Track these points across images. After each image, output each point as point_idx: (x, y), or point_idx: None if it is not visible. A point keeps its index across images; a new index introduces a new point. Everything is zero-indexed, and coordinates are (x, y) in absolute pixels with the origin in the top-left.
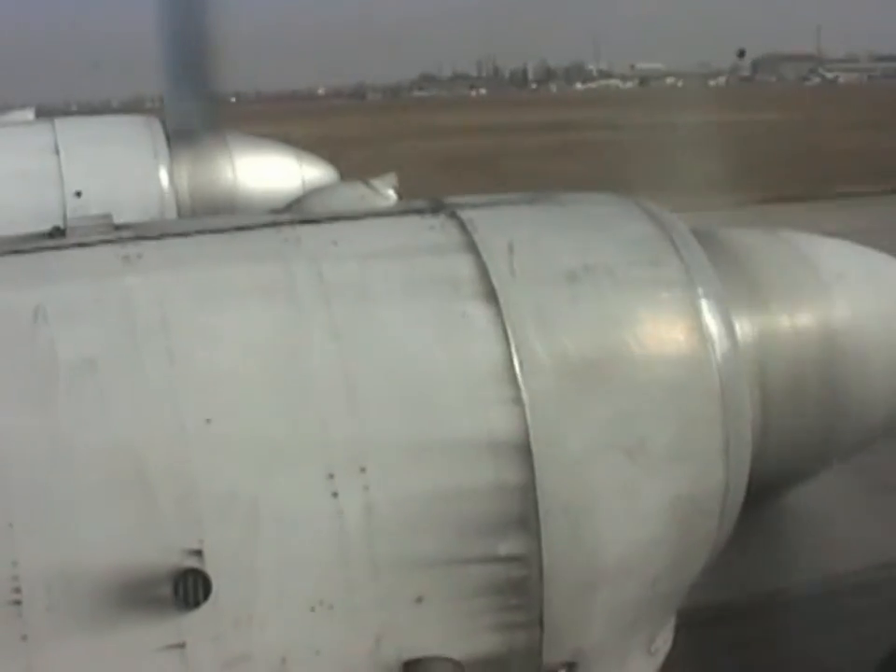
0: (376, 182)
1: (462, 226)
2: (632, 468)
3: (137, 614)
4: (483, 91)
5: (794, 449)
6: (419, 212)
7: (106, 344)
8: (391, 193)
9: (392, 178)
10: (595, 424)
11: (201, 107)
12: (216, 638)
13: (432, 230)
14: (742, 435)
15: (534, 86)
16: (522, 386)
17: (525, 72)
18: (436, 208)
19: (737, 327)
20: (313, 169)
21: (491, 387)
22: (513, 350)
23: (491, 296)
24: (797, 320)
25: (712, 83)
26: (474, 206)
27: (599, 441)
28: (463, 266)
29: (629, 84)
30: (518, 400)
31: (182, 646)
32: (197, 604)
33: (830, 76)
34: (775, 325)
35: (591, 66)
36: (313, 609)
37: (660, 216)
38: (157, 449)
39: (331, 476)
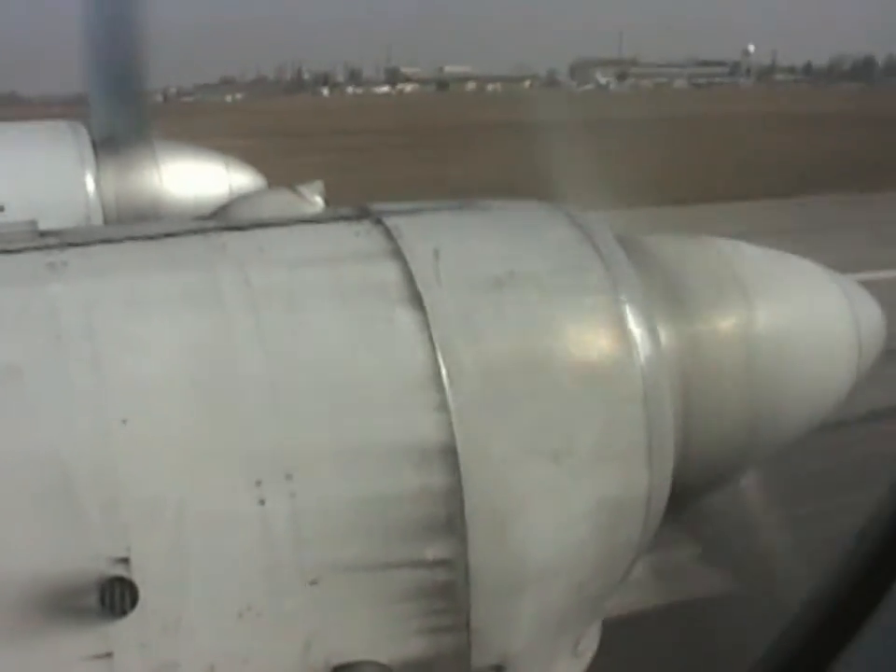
0: (303, 189)
1: (388, 232)
2: (557, 472)
3: (63, 623)
4: (238, 95)
5: (715, 454)
6: (345, 219)
7: (31, 351)
8: (318, 200)
9: (319, 185)
10: (520, 428)
11: (127, 112)
12: (143, 646)
13: (358, 236)
14: (665, 439)
15: (325, 91)
16: (448, 392)
17: (326, 75)
18: (362, 215)
19: (661, 332)
20: (240, 176)
21: (417, 393)
22: (439, 356)
23: (417, 302)
24: (719, 326)
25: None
26: (400, 213)
27: (525, 445)
28: (389, 272)
29: (429, 87)
30: (444, 406)
31: (109, 655)
32: (124, 612)
33: (603, 81)
34: (697, 330)
35: (404, 69)
36: (241, 616)
37: (585, 222)
38: (82, 456)
39: (258, 483)
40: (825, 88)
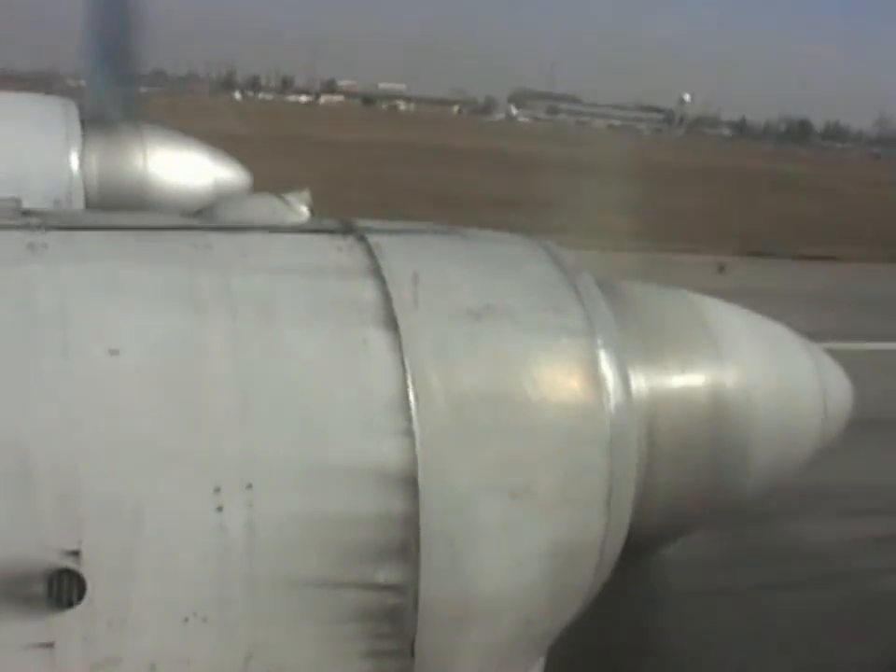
0: (290, 196)
1: (369, 250)
2: (515, 509)
3: (7, 610)
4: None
5: (676, 505)
6: (329, 232)
7: (2, 332)
8: (304, 209)
9: (306, 194)
10: (483, 462)
11: (119, 94)
12: (86, 640)
13: (340, 251)
14: (626, 487)
15: (236, 94)
16: (414, 418)
17: (256, 79)
18: (346, 230)
19: (632, 380)
20: (225, 169)
21: (384, 417)
22: (409, 381)
23: (392, 324)
24: (689, 379)
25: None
26: (383, 232)
27: (486, 479)
28: (367, 291)
29: (338, 100)
30: (409, 432)
31: (51, 645)
32: (70, 604)
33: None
34: (668, 381)
35: (341, 81)
36: (186, 620)
37: (565, 260)
38: (43, 445)
39: (218, 490)
40: (745, 145)
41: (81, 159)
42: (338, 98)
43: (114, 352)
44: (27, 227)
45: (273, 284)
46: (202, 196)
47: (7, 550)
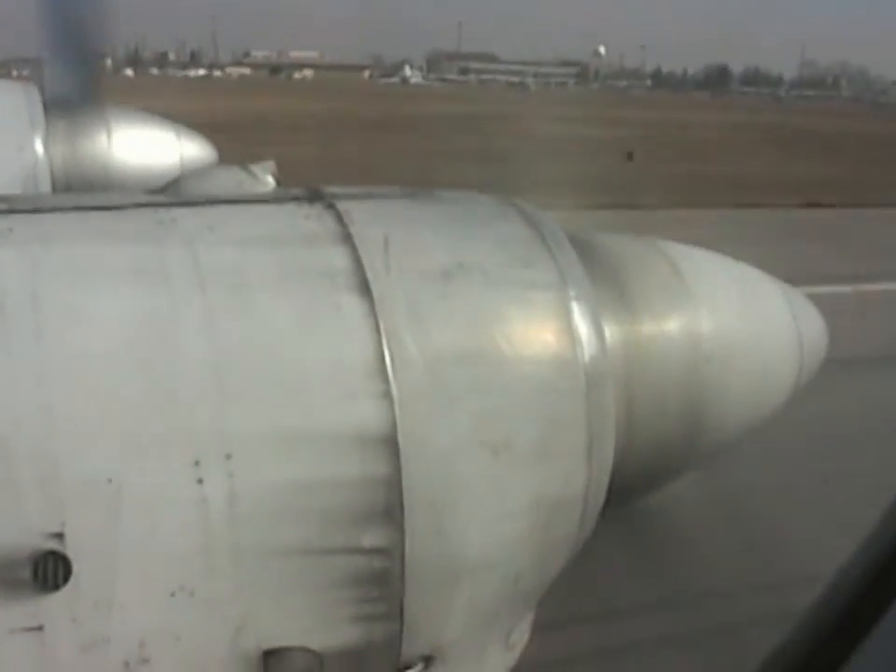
0: (255, 167)
1: (339, 217)
2: (497, 465)
3: None
4: None
5: (657, 453)
6: (296, 200)
7: None
8: (270, 179)
9: (271, 165)
10: (462, 420)
11: (81, 77)
12: (74, 621)
13: (308, 219)
14: (606, 437)
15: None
16: (391, 381)
17: (164, 54)
18: (313, 197)
19: (606, 331)
20: (191, 145)
21: (360, 380)
22: (384, 344)
23: (364, 289)
24: (664, 326)
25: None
26: (351, 198)
27: (466, 437)
28: (338, 258)
29: (245, 71)
30: (387, 394)
31: (40, 628)
32: (56, 586)
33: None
34: (642, 330)
35: (255, 52)
36: (173, 595)
37: (535, 217)
38: (20, 428)
39: (197, 462)
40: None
41: (45, 143)
42: (243, 70)
43: (85, 333)
44: None
45: (242, 255)
46: (168, 174)
47: None
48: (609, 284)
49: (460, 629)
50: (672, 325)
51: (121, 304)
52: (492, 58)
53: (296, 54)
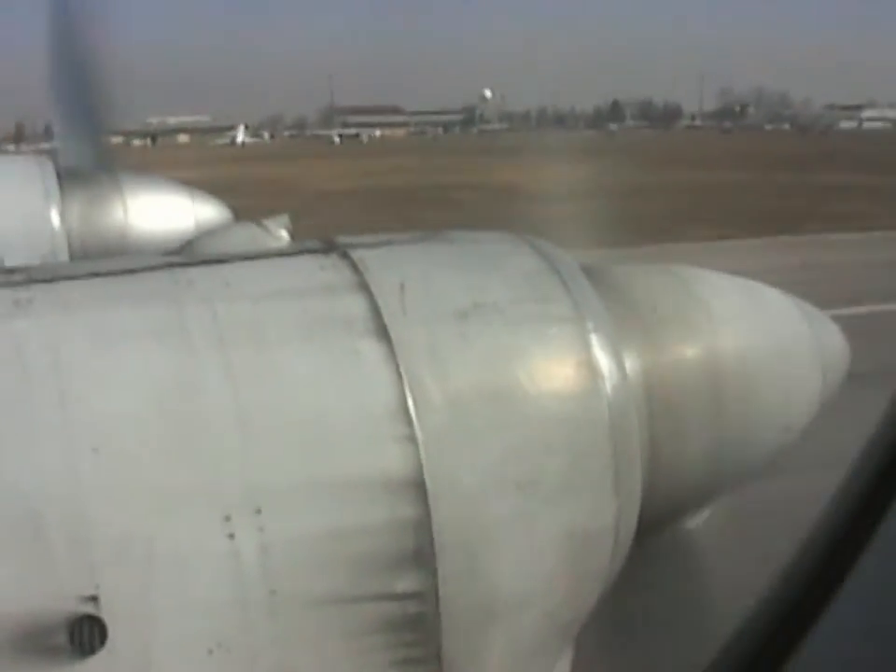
0: (269, 223)
1: (354, 266)
2: (525, 501)
3: (31, 663)
4: None
5: (683, 482)
6: (311, 252)
7: None
8: (284, 234)
9: (285, 219)
10: (488, 459)
11: (92, 146)
12: None
13: (324, 270)
14: (632, 468)
15: None
16: (415, 424)
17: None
18: (328, 248)
19: (627, 361)
20: (206, 208)
21: (384, 425)
22: (406, 388)
23: (383, 334)
24: (685, 354)
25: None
26: (365, 246)
27: (492, 476)
28: (355, 305)
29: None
30: (412, 438)
31: None
32: (93, 651)
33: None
34: (663, 359)
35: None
36: (211, 653)
37: (548, 252)
38: (49, 493)
39: (227, 518)
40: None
41: (62, 214)
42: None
43: (109, 395)
44: (10, 284)
45: (260, 309)
46: (185, 237)
47: (26, 602)
48: (626, 314)
49: (499, 668)
50: (692, 351)
51: (143, 365)
52: (396, 110)
53: (186, 119)
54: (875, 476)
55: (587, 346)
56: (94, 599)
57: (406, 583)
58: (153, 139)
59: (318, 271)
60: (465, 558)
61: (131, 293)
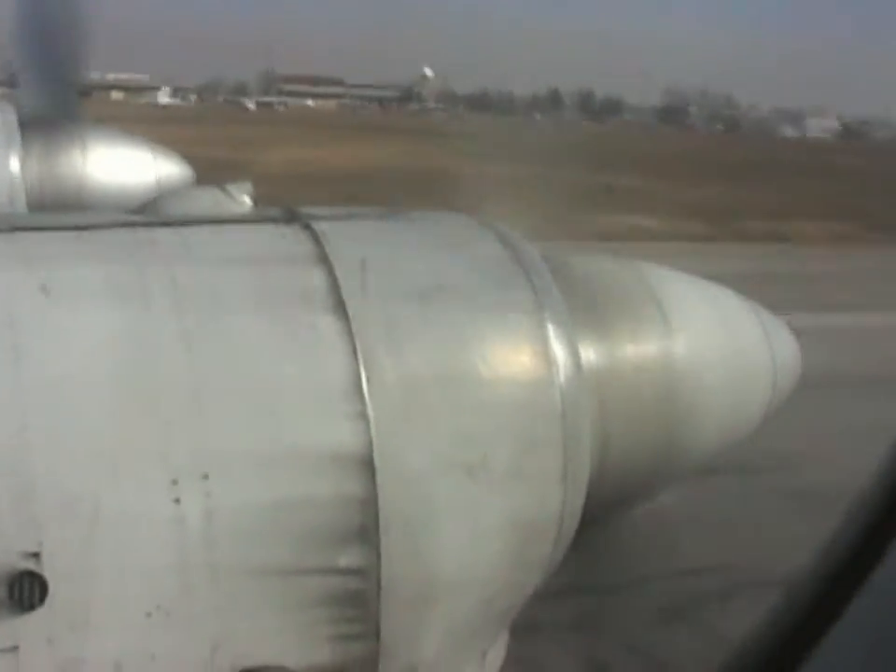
0: (232, 188)
1: (315, 237)
2: (472, 486)
3: None
4: None
5: (631, 474)
6: (273, 220)
7: None
8: (246, 200)
9: (248, 185)
10: (437, 441)
11: (57, 95)
12: (50, 641)
13: (285, 239)
14: (581, 459)
15: None
16: (367, 401)
17: None
18: (290, 218)
19: (582, 352)
20: (168, 165)
21: (337, 401)
22: (361, 365)
23: (341, 310)
24: (639, 348)
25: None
26: (328, 218)
27: (441, 458)
28: (314, 278)
29: None
30: (363, 415)
31: (15, 648)
32: (32, 606)
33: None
34: (617, 352)
35: None
36: (149, 615)
37: (511, 239)
38: None
39: (174, 482)
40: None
41: (21, 161)
42: None
43: (63, 351)
44: None
45: (219, 275)
46: (144, 193)
47: None
48: (584, 306)
49: (436, 648)
50: (647, 347)
51: (100, 324)
52: (335, 81)
53: (122, 76)
54: (886, 499)
55: (544, 336)
56: (36, 556)
57: (349, 559)
58: (86, 93)
59: (279, 239)
60: (408, 538)
61: (91, 250)
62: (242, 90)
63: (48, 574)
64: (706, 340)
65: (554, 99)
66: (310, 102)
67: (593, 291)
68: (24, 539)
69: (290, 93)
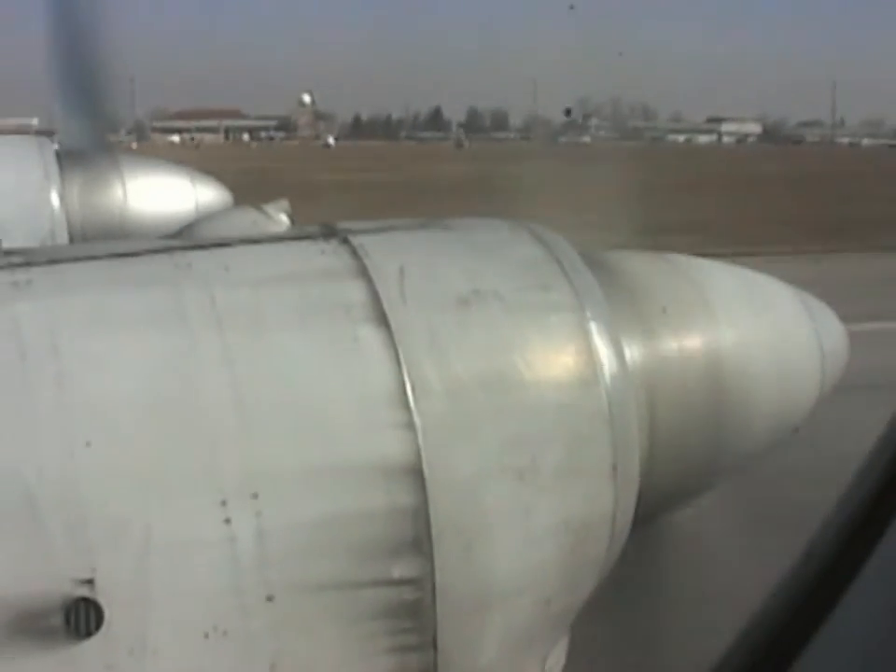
0: (269, 207)
1: (353, 251)
2: (523, 489)
3: (28, 645)
4: None
5: (681, 470)
6: (311, 237)
7: None
8: (283, 218)
9: (285, 204)
10: (486, 446)
11: (93, 128)
12: (109, 668)
13: (324, 255)
14: (630, 457)
15: None
16: (413, 410)
17: None
18: (327, 234)
19: (626, 349)
20: (207, 191)
21: (383, 411)
22: (405, 374)
23: (382, 320)
24: (684, 343)
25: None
26: (365, 232)
27: (490, 463)
28: (354, 291)
29: None
30: (410, 424)
31: None
32: (89, 634)
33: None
34: (662, 347)
35: None
36: (207, 636)
37: (549, 239)
38: (46, 476)
39: (224, 503)
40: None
41: (61, 195)
42: None
43: (107, 379)
44: (9, 266)
45: (259, 293)
46: (184, 220)
47: (23, 584)
48: (626, 302)
49: (495, 656)
50: (691, 339)
51: (141, 349)
52: (240, 114)
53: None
54: (876, 488)
55: (586, 335)
56: (90, 582)
57: (403, 570)
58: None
59: (318, 256)
60: (461, 546)
61: (129, 276)
62: (140, 127)
63: (102, 600)
64: (751, 328)
65: (436, 119)
66: (175, 138)
67: (633, 286)
68: (78, 566)
69: (184, 129)
